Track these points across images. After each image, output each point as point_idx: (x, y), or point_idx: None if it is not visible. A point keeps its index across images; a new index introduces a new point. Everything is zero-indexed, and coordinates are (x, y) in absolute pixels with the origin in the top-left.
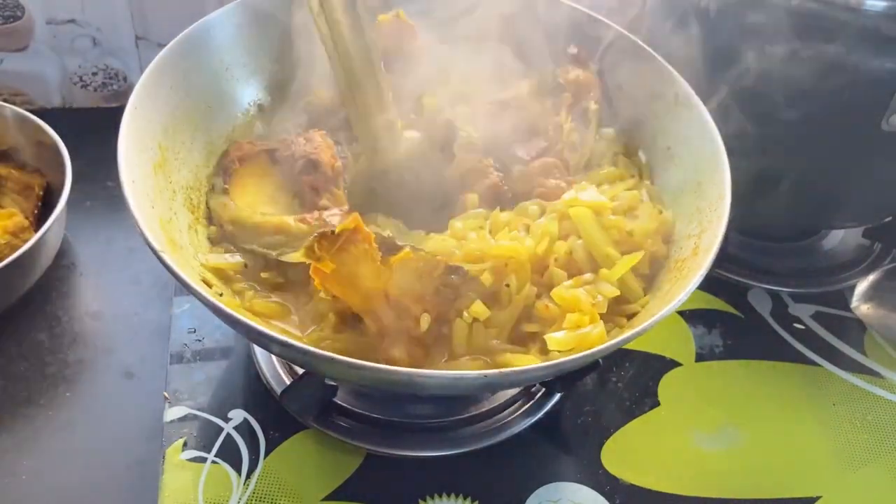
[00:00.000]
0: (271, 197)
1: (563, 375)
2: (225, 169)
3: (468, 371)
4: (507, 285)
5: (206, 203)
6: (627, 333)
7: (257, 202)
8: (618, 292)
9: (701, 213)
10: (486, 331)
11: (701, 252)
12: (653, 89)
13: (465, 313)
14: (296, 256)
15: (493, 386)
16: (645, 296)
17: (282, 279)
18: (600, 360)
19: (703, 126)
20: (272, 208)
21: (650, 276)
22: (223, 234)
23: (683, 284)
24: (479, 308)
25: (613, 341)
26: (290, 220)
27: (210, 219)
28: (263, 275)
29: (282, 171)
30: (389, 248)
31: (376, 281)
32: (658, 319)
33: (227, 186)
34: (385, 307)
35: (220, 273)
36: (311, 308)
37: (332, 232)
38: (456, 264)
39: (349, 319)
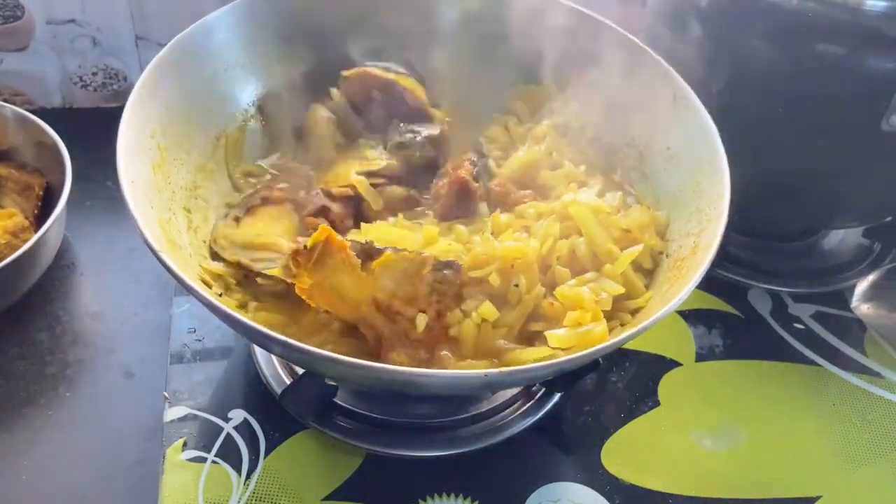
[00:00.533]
0: (277, 236)
1: (564, 375)
2: (247, 203)
3: (468, 370)
4: (517, 285)
5: (214, 224)
6: (627, 332)
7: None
8: (622, 289)
9: (700, 213)
10: (493, 331)
11: (700, 250)
12: (651, 89)
13: (474, 314)
14: (276, 272)
15: (494, 385)
16: (648, 290)
17: (281, 286)
18: (600, 360)
19: (701, 125)
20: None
21: (652, 271)
22: (215, 249)
23: (683, 283)
24: (487, 309)
25: (613, 340)
26: (283, 241)
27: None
28: (260, 281)
29: (297, 216)
30: (369, 253)
31: (361, 289)
32: (659, 318)
33: (239, 215)
34: (375, 313)
35: (219, 280)
36: (313, 318)
37: (305, 246)
38: (447, 259)
39: (353, 328)
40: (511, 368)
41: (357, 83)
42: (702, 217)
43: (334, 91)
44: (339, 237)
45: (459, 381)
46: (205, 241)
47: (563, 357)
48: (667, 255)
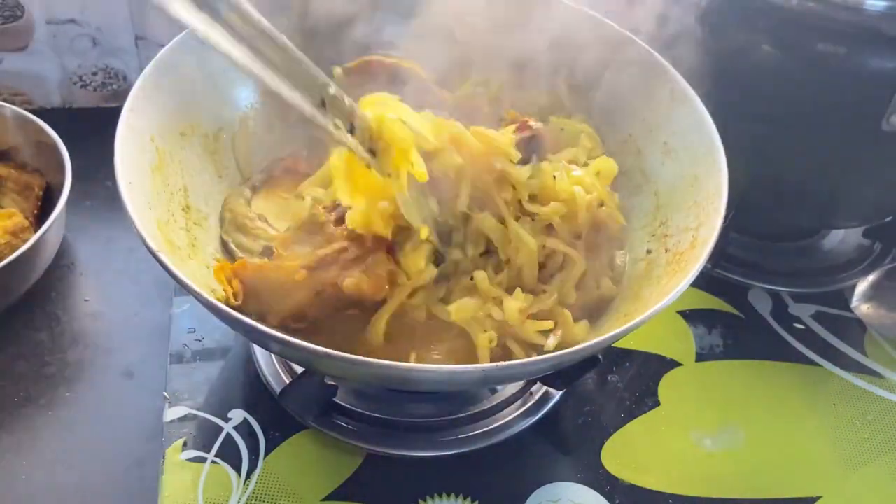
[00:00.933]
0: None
1: (563, 371)
2: (268, 172)
3: (465, 365)
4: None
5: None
6: (626, 325)
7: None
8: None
9: (698, 207)
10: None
11: (699, 245)
12: (648, 84)
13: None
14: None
15: (491, 379)
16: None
17: None
18: (600, 357)
19: (698, 120)
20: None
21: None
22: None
23: (683, 276)
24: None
25: (611, 333)
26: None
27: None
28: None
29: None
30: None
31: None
32: (657, 310)
33: (256, 185)
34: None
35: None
36: None
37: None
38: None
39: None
40: (508, 363)
41: (360, 73)
42: (700, 211)
43: (337, 69)
44: (249, 262)
45: (456, 376)
46: (195, 241)
47: (562, 351)
48: (666, 250)
